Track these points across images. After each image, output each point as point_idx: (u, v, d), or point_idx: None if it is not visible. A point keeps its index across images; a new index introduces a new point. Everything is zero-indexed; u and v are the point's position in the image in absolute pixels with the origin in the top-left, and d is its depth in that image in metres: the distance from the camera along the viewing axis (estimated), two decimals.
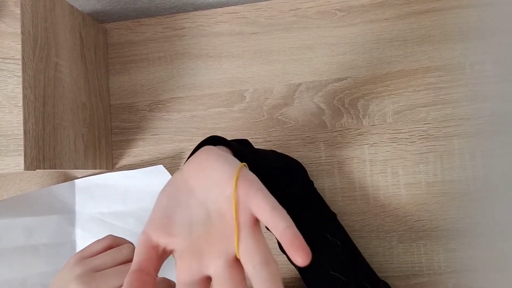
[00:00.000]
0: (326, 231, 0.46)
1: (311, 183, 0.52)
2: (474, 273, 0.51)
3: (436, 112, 0.53)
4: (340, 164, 0.54)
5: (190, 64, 0.58)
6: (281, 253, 0.48)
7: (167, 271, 0.38)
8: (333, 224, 0.48)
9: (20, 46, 0.41)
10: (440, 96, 0.53)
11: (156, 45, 0.59)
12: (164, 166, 0.56)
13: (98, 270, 0.38)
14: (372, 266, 0.48)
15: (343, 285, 0.43)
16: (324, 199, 0.53)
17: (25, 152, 0.41)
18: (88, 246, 0.42)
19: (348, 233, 0.50)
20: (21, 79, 0.41)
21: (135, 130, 0.59)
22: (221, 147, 0.37)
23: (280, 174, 0.47)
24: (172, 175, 0.56)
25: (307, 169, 0.53)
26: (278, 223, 0.25)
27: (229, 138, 0.56)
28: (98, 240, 0.42)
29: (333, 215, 0.49)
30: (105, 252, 0.40)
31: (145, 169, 0.56)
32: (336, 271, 0.43)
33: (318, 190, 0.53)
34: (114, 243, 0.42)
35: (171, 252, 0.28)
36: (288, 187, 0.46)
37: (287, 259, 0.48)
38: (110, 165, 0.58)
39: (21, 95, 0.41)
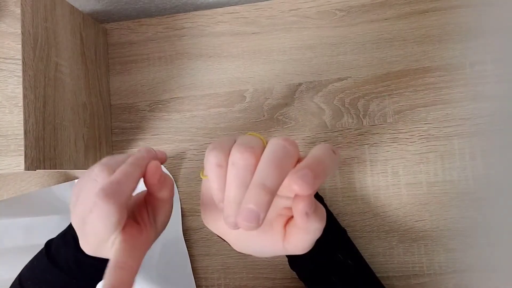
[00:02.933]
0: (337, 251, 0.44)
1: (320, 197, 0.51)
2: (475, 273, 0.51)
3: (436, 112, 0.53)
4: (341, 164, 0.54)
5: (190, 64, 0.58)
6: (291, 269, 0.48)
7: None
8: (344, 242, 0.47)
9: (20, 46, 0.41)
10: (441, 96, 0.53)
11: (157, 45, 0.59)
12: (164, 166, 0.56)
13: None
14: (372, 267, 0.48)
15: None
16: (325, 199, 0.53)
17: (25, 152, 0.41)
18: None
19: (349, 232, 0.49)
20: (21, 79, 0.41)
21: (135, 130, 0.59)
22: None
23: None
24: (171, 175, 0.56)
25: None
26: None
27: None
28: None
29: (343, 231, 0.48)
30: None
31: None
32: None
33: (318, 191, 0.53)
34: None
35: None
36: None
37: (297, 275, 0.48)
38: None
39: (21, 95, 0.41)
